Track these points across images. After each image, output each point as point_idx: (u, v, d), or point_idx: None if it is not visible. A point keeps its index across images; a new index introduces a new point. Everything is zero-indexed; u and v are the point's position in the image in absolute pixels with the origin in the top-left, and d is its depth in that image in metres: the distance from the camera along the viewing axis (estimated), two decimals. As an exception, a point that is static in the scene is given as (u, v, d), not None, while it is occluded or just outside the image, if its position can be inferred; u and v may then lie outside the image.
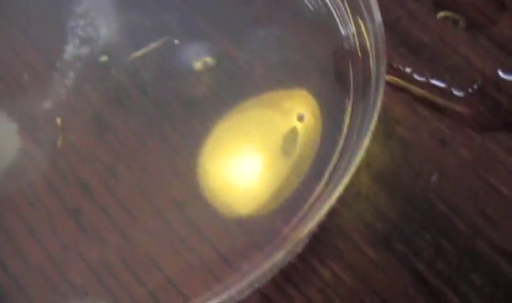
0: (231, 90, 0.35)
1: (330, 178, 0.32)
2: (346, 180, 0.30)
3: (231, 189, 0.33)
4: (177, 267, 0.31)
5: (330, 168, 0.32)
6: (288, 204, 0.32)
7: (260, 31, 0.37)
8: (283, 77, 0.36)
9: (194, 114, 0.35)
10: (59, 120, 0.34)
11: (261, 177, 0.33)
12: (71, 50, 0.35)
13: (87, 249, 0.32)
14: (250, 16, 0.37)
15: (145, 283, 0.31)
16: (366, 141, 0.30)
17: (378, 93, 0.31)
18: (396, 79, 0.36)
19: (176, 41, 0.36)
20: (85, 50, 0.36)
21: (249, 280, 0.29)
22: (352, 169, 0.30)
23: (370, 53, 0.33)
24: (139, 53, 0.36)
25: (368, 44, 0.34)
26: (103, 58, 0.36)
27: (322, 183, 0.32)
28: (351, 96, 0.34)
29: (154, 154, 0.34)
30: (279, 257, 0.29)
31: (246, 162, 0.34)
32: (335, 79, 0.35)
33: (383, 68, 0.32)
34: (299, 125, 0.34)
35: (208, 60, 0.36)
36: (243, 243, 0.32)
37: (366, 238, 0.33)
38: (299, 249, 0.32)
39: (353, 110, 0.34)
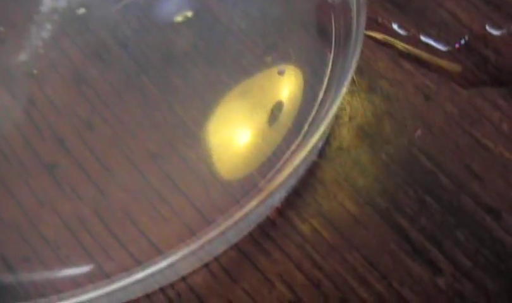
0: (210, 44, 0.35)
1: (308, 130, 0.31)
2: (321, 129, 0.29)
3: (208, 142, 0.33)
4: (152, 221, 0.31)
5: (309, 120, 0.32)
6: (266, 158, 0.32)
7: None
8: (264, 31, 0.35)
9: (173, 68, 0.34)
10: (35, 73, 0.34)
11: (239, 131, 0.33)
12: (48, 2, 0.35)
13: (61, 204, 0.31)
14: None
15: (119, 236, 0.31)
16: (343, 90, 0.29)
17: (357, 43, 0.30)
18: (380, 34, 0.35)
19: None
20: (62, 3, 0.35)
21: (220, 231, 0.28)
22: (328, 119, 0.29)
23: (352, 7, 0.33)
24: (118, 6, 0.35)
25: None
26: (81, 10, 0.35)
27: (301, 136, 0.31)
28: (333, 49, 0.33)
29: (132, 108, 0.33)
30: (252, 207, 0.28)
31: (225, 116, 0.33)
32: (318, 33, 0.35)
33: (363, 20, 0.31)
34: (279, 79, 0.33)
35: (188, 13, 0.35)
36: (219, 197, 0.31)
37: (347, 193, 0.32)
38: (276, 203, 0.31)
39: (333, 63, 0.33)
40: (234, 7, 0.35)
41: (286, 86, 0.33)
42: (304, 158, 0.29)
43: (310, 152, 0.29)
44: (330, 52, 0.33)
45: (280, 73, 0.33)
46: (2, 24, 0.35)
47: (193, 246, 0.28)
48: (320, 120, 0.29)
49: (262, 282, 0.31)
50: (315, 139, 0.29)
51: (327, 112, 0.29)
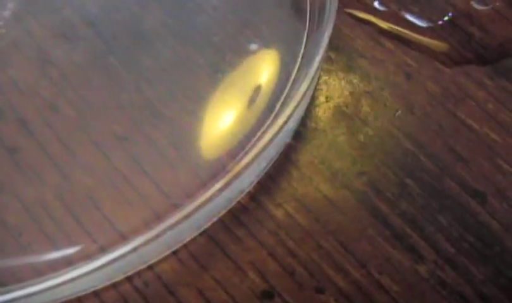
0: (181, 22, 0.33)
1: (280, 110, 0.30)
2: (291, 108, 0.27)
3: (176, 124, 0.31)
4: (116, 205, 0.29)
5: (281, 100, 0.30)
6: (237, 140, 0.30)
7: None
8: (236, 8, 0.33)
9: (141, 47, 0.32)
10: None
11: (209, 112, 0.31)
12: None
13: (23, 188, 0.30)
14: None
15: (82, 221, 0.29)
16: (314, 66, 0.28)
17: (330, 17, 0.29)
18: (360, 12, 0.33)
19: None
20: None
21: (185, 214, 0.27)
22: (298, 98, 0.28)
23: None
24: (84, -16, 0.34)
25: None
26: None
27: (272, 116, 0.30)
28: (307, 26, 0.32)
29: (98, 89, 0.32)
30: (217, 190, 0.27)
31: (194, 96, 0.31)
32: (292, 9, 0.33)
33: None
34: (252, 58, 0.32)
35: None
36: (186, 180, 0.30)
37: (323, 176, 0.30)
38: (247, 186, 0.30)
39: (307, 40, 0.31)
40: (205, -17, 0.34)
41: (259, 64, 0.32)
42: (274, 139, 0.28)
43: (280, 133, 0.28)
44: (305, 29, 0.32)
45: (253, 51, 0.32)
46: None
47: (158, 230, 0.27)
48: (291, 99, 0.28)
49: (233, 270, 0.29)
50: (284, 118, 0.27)
51: (298, 91, 0.28)
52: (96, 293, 0.29)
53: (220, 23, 0.33)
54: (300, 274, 0.29)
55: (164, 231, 0.27)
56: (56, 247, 0.29)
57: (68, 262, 0.28)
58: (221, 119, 0.31)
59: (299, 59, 0.31)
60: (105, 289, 0.29)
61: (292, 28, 0.32)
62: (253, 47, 0.32)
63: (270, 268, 0.29)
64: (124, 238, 0.29)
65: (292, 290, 0.29)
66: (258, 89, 0.31)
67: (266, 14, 0.33)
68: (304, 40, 0.31)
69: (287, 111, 0.27)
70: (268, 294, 0.29)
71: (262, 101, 0.31)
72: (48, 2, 0.33)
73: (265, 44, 0.32)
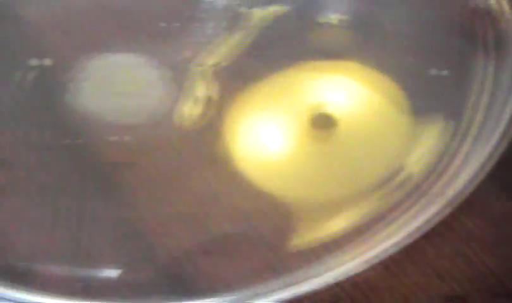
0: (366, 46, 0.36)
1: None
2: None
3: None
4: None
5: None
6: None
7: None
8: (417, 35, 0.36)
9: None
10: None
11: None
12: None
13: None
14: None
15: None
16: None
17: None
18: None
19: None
20: (222, 1, 0.37)
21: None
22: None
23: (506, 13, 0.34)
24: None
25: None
26: (242, 9, 0.37)
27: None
28: (482, 56, 0.35)
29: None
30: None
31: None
32: (467, 38, 0.36)
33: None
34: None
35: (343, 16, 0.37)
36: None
37: None
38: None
39: (484, 73, 0.34)
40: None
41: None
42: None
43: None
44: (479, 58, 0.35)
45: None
46: (165, 20, 0.37)
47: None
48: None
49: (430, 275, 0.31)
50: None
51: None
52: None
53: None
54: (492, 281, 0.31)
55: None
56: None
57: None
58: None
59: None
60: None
61: (465, 56, 0.35)
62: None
63: (465, 274, 0.31)
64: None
65: (484, 297, 0.31)
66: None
67: (441, 41, 0.36)
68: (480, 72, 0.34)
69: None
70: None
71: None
72: (245, 20, 0.37)
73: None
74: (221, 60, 0.35)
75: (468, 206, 0.32)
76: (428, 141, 0.33)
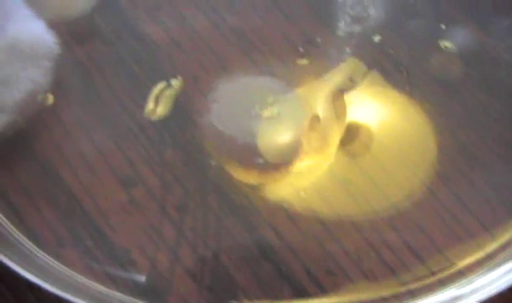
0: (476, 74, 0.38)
1: None
2: None
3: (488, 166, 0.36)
4: (447, 239, 0.34)
5: None
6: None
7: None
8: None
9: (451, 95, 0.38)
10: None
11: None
12: (342, 26, 0.39)
13: (359, 218, 0.34)
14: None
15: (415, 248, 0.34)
16: None
17: None
18: None
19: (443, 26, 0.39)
20: (357, 28, 0.39)
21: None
22: None
23: None
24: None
25: None
26: (377, 38, 0.39)
27: None
28: None
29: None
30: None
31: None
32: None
33: None
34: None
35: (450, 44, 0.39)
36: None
37: None
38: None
39: None
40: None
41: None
42: None
43: None
44: None
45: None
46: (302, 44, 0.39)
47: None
48: None
49: None
50: None
51: None
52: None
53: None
54: None
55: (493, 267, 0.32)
56: (394, 274, 0.33)
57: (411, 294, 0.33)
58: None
59: None
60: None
61: None
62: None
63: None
64: (451, 263, 0.33)
65: None
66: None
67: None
68: None
69: None
70: None
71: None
72: (379, 48, 0.39)
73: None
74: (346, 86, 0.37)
75: None
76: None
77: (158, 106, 0.37)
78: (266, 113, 0.36)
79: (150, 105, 0.37)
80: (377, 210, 0.34)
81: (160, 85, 0.37)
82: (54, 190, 0.34)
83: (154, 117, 0.36)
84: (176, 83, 0.37)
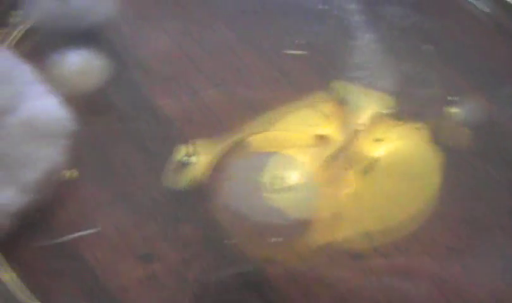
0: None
1: None
2: None
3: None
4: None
5: None
6: None
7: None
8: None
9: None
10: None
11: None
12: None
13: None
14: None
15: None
16: None
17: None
18: None
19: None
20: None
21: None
22: None
23: None
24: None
25: None
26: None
27: None
28: None
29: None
30: None
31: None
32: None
33: None
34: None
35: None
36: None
37: None
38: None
39: None
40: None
41: None
42: None
43: None
44: None
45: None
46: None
47: None
48: None
49: None
50: None
51: None
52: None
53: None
54: None
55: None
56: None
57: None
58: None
59: None
60: None
61: None
62: None
63: None
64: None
65: None
66: None
67: None
68: None
69: None
70: None
71: None
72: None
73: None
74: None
75: None
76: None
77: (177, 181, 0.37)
78: (278, 187, 0.36)
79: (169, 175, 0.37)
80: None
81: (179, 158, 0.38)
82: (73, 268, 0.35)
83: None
84: (192, 159, 0.38)
